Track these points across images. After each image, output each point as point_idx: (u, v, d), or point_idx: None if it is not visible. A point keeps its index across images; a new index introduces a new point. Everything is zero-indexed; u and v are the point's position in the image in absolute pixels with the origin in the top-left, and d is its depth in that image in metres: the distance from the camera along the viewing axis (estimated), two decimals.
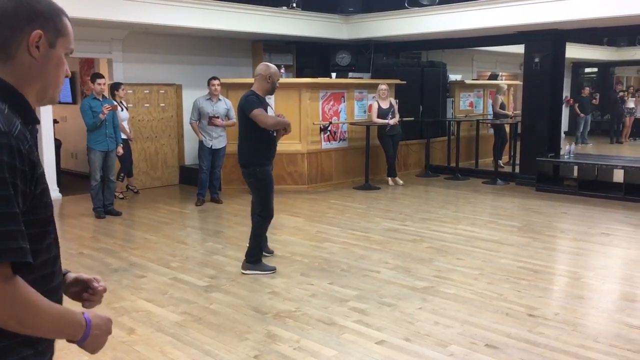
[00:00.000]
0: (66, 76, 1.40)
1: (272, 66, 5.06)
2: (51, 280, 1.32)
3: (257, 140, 4.95)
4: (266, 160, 5.04)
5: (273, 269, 5.10)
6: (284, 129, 5.04)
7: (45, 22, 1.32)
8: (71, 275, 1.52)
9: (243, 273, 5.06)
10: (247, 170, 5.03)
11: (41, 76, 1.34)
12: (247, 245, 5.19)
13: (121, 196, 8.52)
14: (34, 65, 1.31)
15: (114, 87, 8.40)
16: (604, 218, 7.27)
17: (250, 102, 4.89)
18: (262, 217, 5.09)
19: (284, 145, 9.10)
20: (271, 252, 5.58)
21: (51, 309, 1.24)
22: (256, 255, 5.12)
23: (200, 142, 8.12)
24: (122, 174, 8.54)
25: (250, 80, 10.24)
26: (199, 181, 8.25)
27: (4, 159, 1.16)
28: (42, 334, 1.26)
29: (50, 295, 1.28)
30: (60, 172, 9.44)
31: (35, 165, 1.24)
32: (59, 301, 1.35)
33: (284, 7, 9.87)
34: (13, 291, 1.16)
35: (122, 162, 8.34)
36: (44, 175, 1.29)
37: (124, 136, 8.16)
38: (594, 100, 16.73)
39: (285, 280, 4.95)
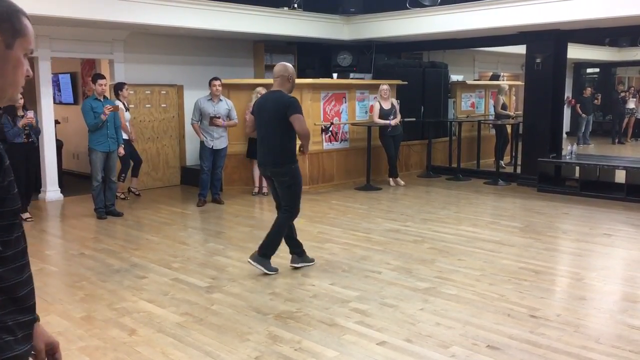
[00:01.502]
0: (27, 76, 1.39)
1: (290, 65, 5.14)
2: (21, 272, 1.34)
3: (292, 139, 5.00)
4: (296, 158, 5.09)
5: (276, 270, 5.10)
6: (305, 146, 5.16)
7: (2, 23, 1.31)
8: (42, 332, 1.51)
9: (249, 262, 5.08)
10: (282, 169, 5.00)
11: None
12: (265, 238, 5.14)
13: (122, 196, 8.52)
14: None
15: (118, 87, 8.41)
16: (606, 219, 7.26)
17: (297, 104, 4.94)
18: (291, 213, 5.12)
19: None
20: (312, 261, 5.39)
21: None
22: (271, 249, 5.10)
23: (202, 143, 8.12)
24: (123, 175, 8.54)
25: (252, 80, 10.28)
26: (200, 182, 8.25)
27: None
28: None
29: (22, 287, 1.32)
30: (62, 173, 9.45)
31: (2, 157, 1.26)
32: (31, 294, 1.37)
33: (285, 8, 9.86)
34: None
35: (122, 163, 8.35)
36: (10, 168, 1.32)
37: (125, 137, 8.17)
38: (596, 101, 16.71)
39: (287, 281, 4.95)
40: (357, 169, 9.78)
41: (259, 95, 8.42)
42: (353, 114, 9.91)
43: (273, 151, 5.00)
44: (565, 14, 8.17)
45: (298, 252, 5.28)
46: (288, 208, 5.10)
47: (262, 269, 5.03)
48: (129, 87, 8.69)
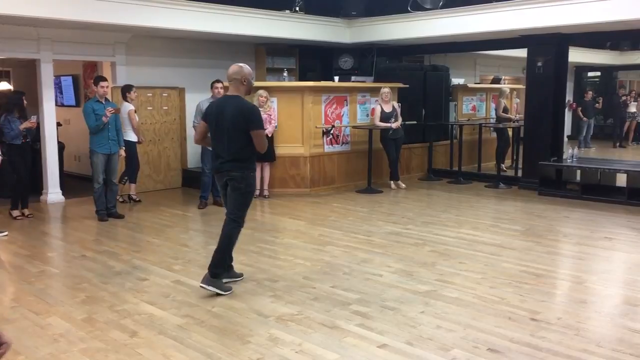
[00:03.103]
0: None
1: (245, 66, 4.78)
2: None
3: (251, 146, 4.70)
4: (254, 166, 4.89)
5: (230, 290, 4.71)
6: None
7: None
8: None
9: (201, 286, 4.68)
10: (241, 174, 4.69)
11: None
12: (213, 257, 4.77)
13: (121, 199, 8.49)
14: None
15: (126, 89, 8.40)
16: (607, 222, 7.26)
17: (259, 118, 4.69)
18: (238, 222, 4.79)
19: (286, 148, 9.15)
20: (240, 276, 5.07)
21: None
22: (221, 268, 4.77)
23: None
24: (125, 177, 8.55)
25: (253, 83, 10.24)
26: (201, 184, 8.27)
27: None
28: None
29: None
30: (63, 175, 9.46)
31: None
32: None
33: (287, 11, 9.89)
34: None
35: (129, 166, 8.36)
36: None
37: (133, 139, 8.19)
38: (597, 105, 16.70)
39: (288, 283, 4.95)
40: (358, 172, 9.79)
41: (260, 98, 8.48)
42: (354, 117, 9.92)
43: (233, 157, 4.66)
44: (567, 17, 8.18)
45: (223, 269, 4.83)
46: (235, 217, 4.73)
47: (216, 290, 4.62)
48: (136, 90, 8.68)
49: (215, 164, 4.86)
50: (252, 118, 4.63)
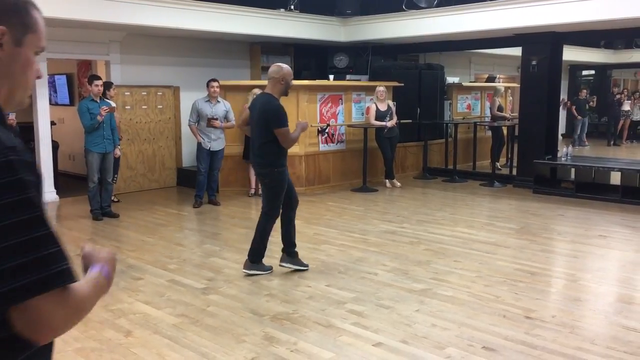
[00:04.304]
0: (37, 77, 1.27)
1: (285, 66, 4.98)
2: None
3: (275, 144, 4.87)
4: (285, 161, 5.01)
5: (270, 268, 5.14)
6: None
7: (10, 17, 1.17)
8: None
9: (244, 272, 5.07)
10: (264, 171, 4.99)
11: (7, 78, 1.19)
12: (251, 244, 5.15)
13: (115, 199, 8.42)
14: None
15: (105, 86, 8.33)
16: (601, 220, 7.29)
17: (281, 116, 4.81)
18: (269, 215, 5.08)
19: None
20: (305, 266, 5.29)
21: (91, 290, 1.21)
22: (258, 255, 5.12)
23: (199, 144, 8.11)
24: (115, 176, 8.51)
25: (248, 82, 10.28)
26: (196, 183, 8.25)
27: (30, 179, 1.09)
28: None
29: None
30: (58, 174, 9.42)
31: (40, 176, 1.16)
32: None
33: (282, 10, 9.87)
34: (75, 304, 1.13)
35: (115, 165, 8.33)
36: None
37: None
38: (591, 103, 16.75)
39: (283, 282, 4.95)
40: (353, 171, 9.79)
41: (254, 97, 8.48)
42: (349, 116, 9.92)
43: (257, 152, 4.99)
44: (561, 16, 8.19)
45: (289, 252, 5.23)
46: (266, 210, 5.09)
47: (257, 272, 5.07)
48: (124, 89, 8.65)
49: (250, 156, 5.22)
50: (272, 117, 4.81)
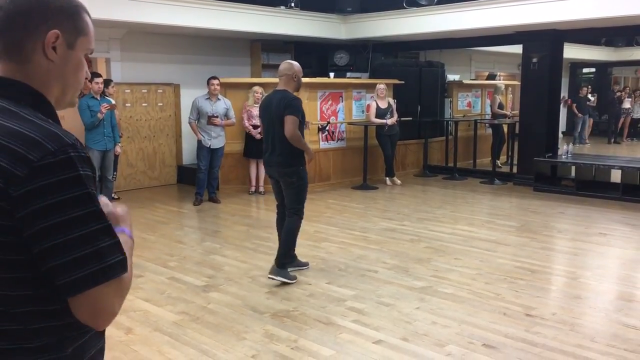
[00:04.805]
0: (85, 78, 1.31)
1: (295, 63, 4.98)
2: None
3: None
4: (304, 160, 4.94)
5: (294, 278, 4.89)
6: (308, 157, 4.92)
7: (63, 20, 1.21)
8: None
9: (270, 277, 4.84)
10: (290, 170, 4.81)
11: (60, 80, 1.24)
12: (278, 248, 4.99)
13: (115, 197, 8.44)
14: (52, 68, 1.21)
15: (104, 83, 8.32)
16: (602, 218, 7.28)
17: (297, 105, 4.77)
18: (298, 215, 4.94)
19: None
20: (305, 265, 5.28)
21: (130, 263, 1.25)
22: (288, 258, 4.97)
23: (199, 142, 8.11)
24: (115, 173, 8.50)
25: (248, 80, 10.27)
26: (197, 181, 8.25)
27: (88, 173, 1.14)
28: None
29: None
30: None
31: (95, 170, 1.20)
32: None
33: (282, 7, 9.86)
34: (127, 288, 1.21)
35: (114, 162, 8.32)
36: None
37: None
38: (590, 101, 16.71)
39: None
40: (353, 168, 9.79)
41: (255, 94, 8.48)
42: (350, 113, 9.92)
43: (281, 152, 4.79)
44: (562, 13, 8.19)
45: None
46: (294, 211, 4.91)
47: (283, 279, 4.81)
48: (124, 87, 8.63)
49: (265, 157, 5.00)
50: (288, 105, 4.73)
